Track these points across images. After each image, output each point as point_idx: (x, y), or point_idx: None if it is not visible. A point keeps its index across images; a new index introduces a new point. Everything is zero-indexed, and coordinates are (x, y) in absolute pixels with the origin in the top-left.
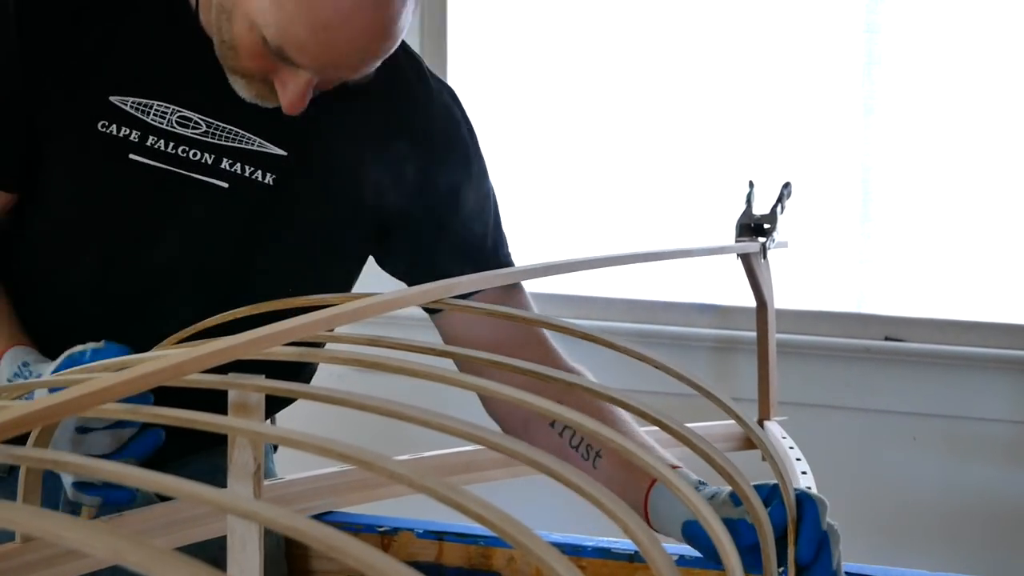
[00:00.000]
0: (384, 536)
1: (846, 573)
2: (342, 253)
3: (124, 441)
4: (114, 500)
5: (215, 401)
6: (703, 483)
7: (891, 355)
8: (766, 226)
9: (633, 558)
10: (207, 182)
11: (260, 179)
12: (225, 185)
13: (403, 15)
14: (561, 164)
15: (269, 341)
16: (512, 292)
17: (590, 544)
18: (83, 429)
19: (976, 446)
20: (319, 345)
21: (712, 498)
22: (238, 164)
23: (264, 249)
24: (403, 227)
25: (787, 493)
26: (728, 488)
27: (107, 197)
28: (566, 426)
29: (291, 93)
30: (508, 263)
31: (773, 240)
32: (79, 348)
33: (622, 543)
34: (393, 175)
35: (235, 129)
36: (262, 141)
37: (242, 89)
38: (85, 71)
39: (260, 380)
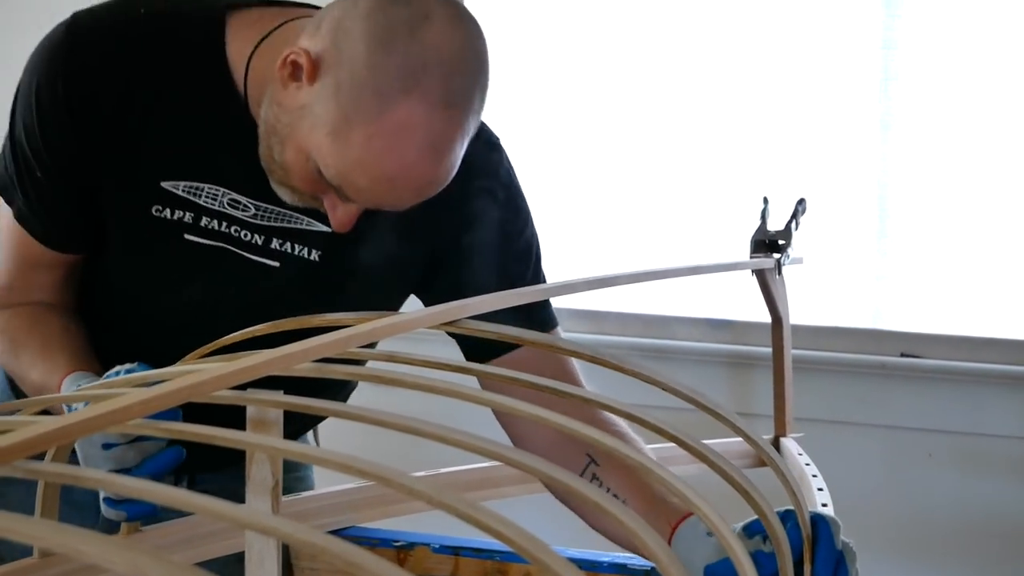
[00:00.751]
0: (400, 551)
1: None
2: (387, 307)
3: (151, 453)
4: (136, 514)
5: (238, 416)
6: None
7: (907, 371)
8: (781, 242)
9: (649, 574)
10: (258, 261)
11: (307, 256)
12: (276, 264)
13: (460, 156)
14: (578, 180)
15: (294, 359)
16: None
17: (606, 560)
18: (108, 445)
19: (992, 463)
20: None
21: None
22: (288, 243)
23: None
24: (443, 276)
25: (802, 514)
26: (738, 524)
27: (163, 273)
28: (587, 467)
29: (341, 217)
30: (548, 313)
31: (788, 256)
32: (114, 369)
33: (638, 559)
34: (432, 238)
35: (283, 211)
36: (309, 220)
37: (287, 196)
38: (135, 155)
39: (278, 396)
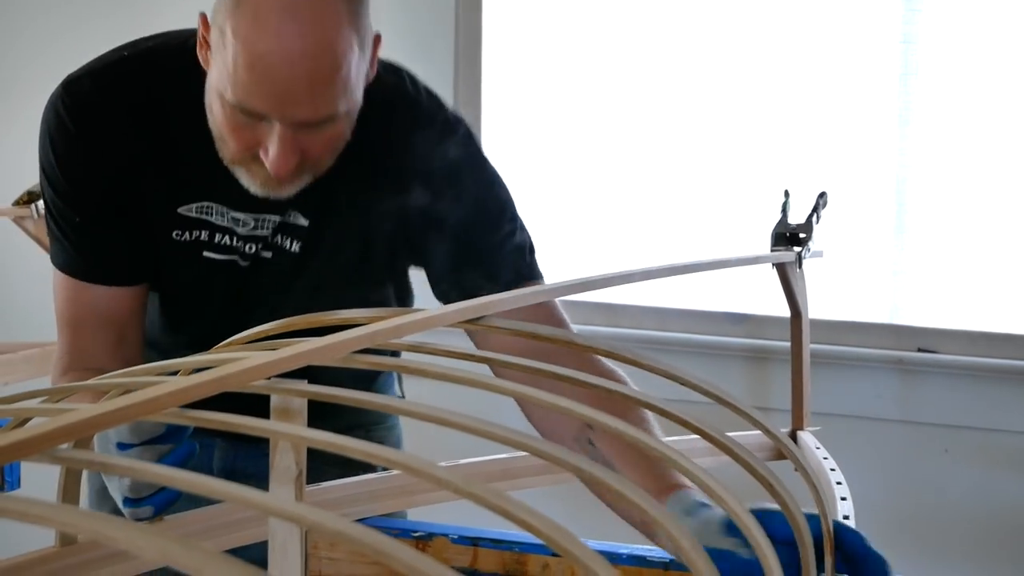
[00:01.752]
0: (419, 541)
1: None
2: (374, 279)
3: (164, 453)
4: (160, 507)
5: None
6: (704, 504)
7: (924, 366)
8: (801, 235)
9: (668, 566)
10: (263, 257)
11: (290, 248)
12: (269, 255)
13: (340, 38)
14: (598, 175)
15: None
16: (543, 302)
17: (625, 552)
18: (122, 446)
19: (1008, 458)
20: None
21: (706, 524)
22: (278, 237)
23: (309, 294)
24: (423, 251)
25: (823, 508)
26: (720, 513)
27: (188, 287)
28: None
29: (273, 154)
30: (534, 269)
31: (808, 250)
32: None
33: (657, 551)
34: (404, 210)
35: (275, 217)
36: (295, 212)
37: (249, 183)
38: (153, 191)
39: (302, 385)
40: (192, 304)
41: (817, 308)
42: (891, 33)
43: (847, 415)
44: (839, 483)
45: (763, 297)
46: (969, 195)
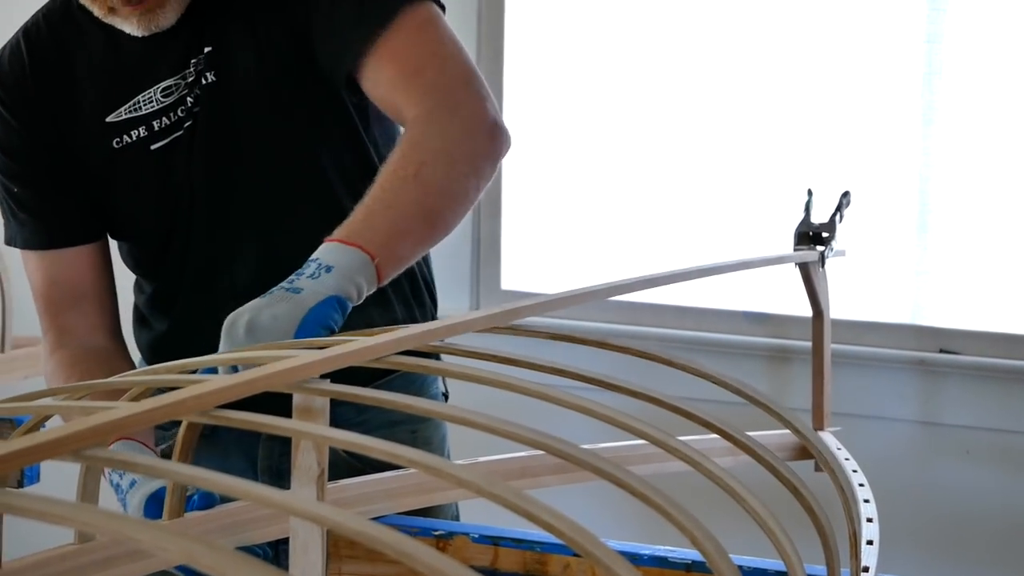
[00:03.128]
0: (439, 540)
1: None
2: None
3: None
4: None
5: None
6: None
7: (946, 367)
8: (825, 235)
9: (690, 568)
10: (196, 113)
11: (208, 80)
12: (198, 108)
13: None
14: (623, 176)
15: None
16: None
17: (646, 553)
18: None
19: None
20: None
21: None
22: (199, 85)
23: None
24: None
25: (849, 510)
26: None
27: (155, 190)
28: None
29: None
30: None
31: (831, 249)
32: None
33: (679, 552)
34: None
35: (189, 66)
36: (200, 56)
37: (130, 28)
38: (72, 121)
39: (325, 384)
40: (164, 203)
41: (839, 308)
42: (915, 32)
43: (868, 416)
44: (861, 484)
45: (784, 296)
46: (992, 195)
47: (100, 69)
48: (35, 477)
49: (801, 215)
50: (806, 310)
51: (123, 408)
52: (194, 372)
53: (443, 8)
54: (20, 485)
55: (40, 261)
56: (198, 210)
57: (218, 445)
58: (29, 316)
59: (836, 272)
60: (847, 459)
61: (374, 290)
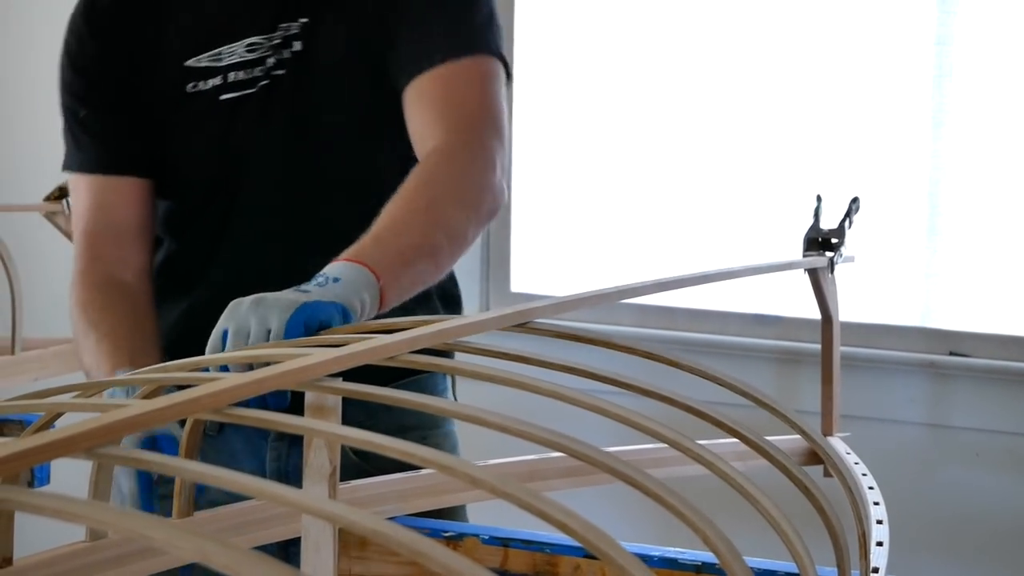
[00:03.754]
0: (450, 541)
1: None
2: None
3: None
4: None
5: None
6: None
7: (956, 370)
8: (834, 241)
9: (700, 569)
10: (274, 75)
11: (294, 50)
12: (283, 72)
13: None
14: (632, 180)
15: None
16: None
17: (656, 554)
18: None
19: None
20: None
21: None
22: (284, 51)
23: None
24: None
25: (858, 512)
26: None
27: (218, 141)
28: None
29: None
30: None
31: (841, 255)
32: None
33: (690, 553)
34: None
35: (280, 29)
36: (292, 25)
37: None
38: (154, 55)
39: (337, 383)
40: (221, 157)
41: (848, 311)
42: (925, 35)
43: (878, 419)
44: (871, 488)
45: (793, 299)
46: (1003, 198)
47: (190, 13)
48: (45, 478)
49: (810, 220)
50: (815, 312)
51: (136, 406)
52: (206, 370)
53: (510, 76)
54: (30, 486)
55: (90, 185)
56: (248, 172)
57: (224, 450)
58: (40, 318)
59: (846, 275)
60: (856, 463)
61: (375, 313)
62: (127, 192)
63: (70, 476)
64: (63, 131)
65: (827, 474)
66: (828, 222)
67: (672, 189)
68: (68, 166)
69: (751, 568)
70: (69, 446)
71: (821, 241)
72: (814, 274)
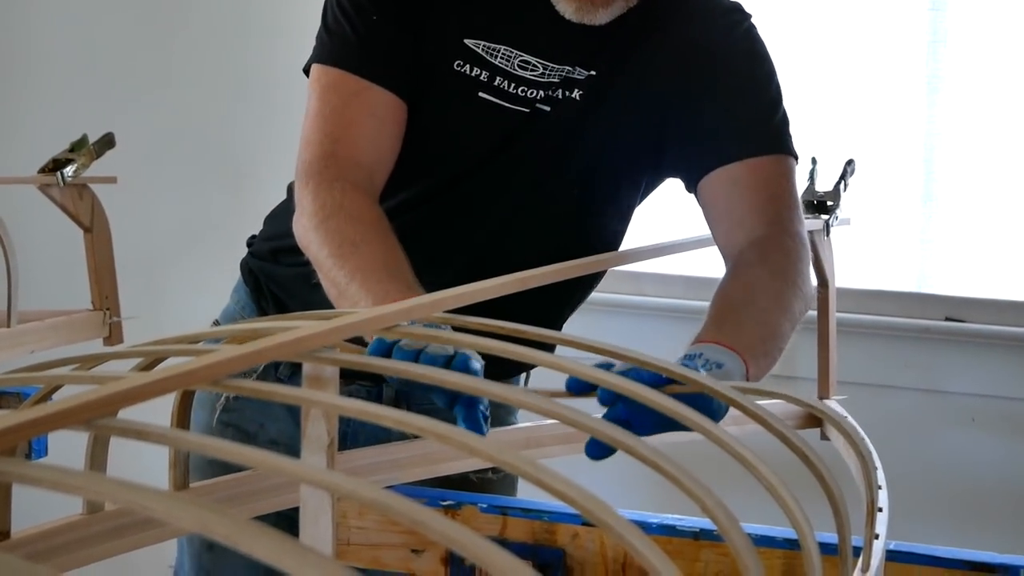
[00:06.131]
0: (448, 510)
1: (902, 552)
2: (637, 161)
3: None
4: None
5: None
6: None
7: (951, 335)
8: (829, 203)
9: (698, 536)
10: (534, 110)
11: (571, 95)
12: (548, 108)
13: None
14: None
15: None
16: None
17: (655, 521)
18: None
19: None
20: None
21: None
22: (560, 91)
23: (576, 154)
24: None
25: (867, 474)
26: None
27: (456, 129)
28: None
29: None
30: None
31: (836, 217)
32: None
33: (688, 520)
34: (684, 93)
35: (565, 67)
36: (581, 69)
37: (565, 7)
38: (445, 13)
39: (334, 354)
40: (448, 147)
41: (844, 276)
42: (919, 0)
43: (874, 384)
44: (870, 452)
45: None
46: (998, 164)
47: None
48: (43, 451)
49: (805, 183)
50: (811, 278)
51: (134, 378)
52: (198, 343)
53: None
54: (28, 459)
55: (342, 83)
56: (472, 184)
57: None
58: (36, 291)
59: (841, 241)
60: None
61: None
62: (391, 107)
63: (68, 449)
64: (329, 30)
65: (824, 437)
66: (824, 185)
67: None
68: (329, 60)
69: (749, 534)
70: (67, 418)
71: (816, 204)
72: (809, 237)
